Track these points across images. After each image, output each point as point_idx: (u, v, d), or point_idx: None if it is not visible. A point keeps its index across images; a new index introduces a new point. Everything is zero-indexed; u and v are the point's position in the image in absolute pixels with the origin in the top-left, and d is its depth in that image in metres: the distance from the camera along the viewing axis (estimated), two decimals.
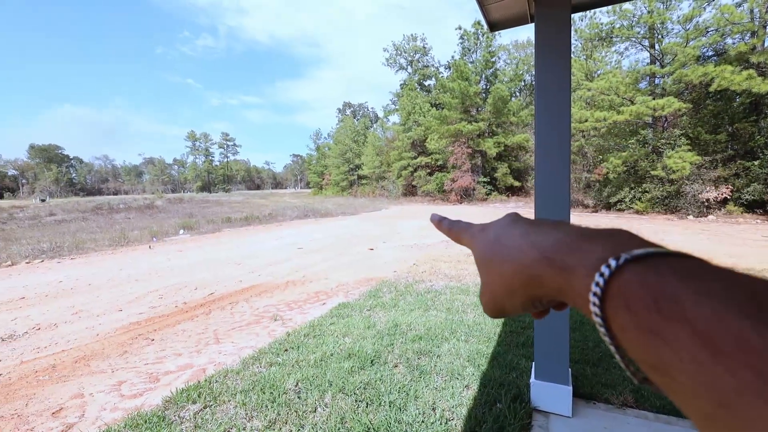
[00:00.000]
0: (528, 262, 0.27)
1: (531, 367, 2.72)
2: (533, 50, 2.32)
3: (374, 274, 6.74)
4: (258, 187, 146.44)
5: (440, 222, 0.46)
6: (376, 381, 2.73)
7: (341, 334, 3.74)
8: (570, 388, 2.38)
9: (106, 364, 3.48)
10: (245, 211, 27.15)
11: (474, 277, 6.05)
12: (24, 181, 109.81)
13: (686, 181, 15.63)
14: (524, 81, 38.90)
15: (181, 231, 16.39)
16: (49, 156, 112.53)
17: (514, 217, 0.33)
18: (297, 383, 2.77)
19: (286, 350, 3.41)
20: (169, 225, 18.36)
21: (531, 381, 2.45)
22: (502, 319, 3.95)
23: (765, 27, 13.90)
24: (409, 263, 7.55)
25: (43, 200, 62.25)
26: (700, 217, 15.30)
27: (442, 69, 41.15)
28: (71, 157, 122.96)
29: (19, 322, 4.80)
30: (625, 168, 17.62)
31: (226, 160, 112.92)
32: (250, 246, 10.99)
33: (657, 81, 17.78)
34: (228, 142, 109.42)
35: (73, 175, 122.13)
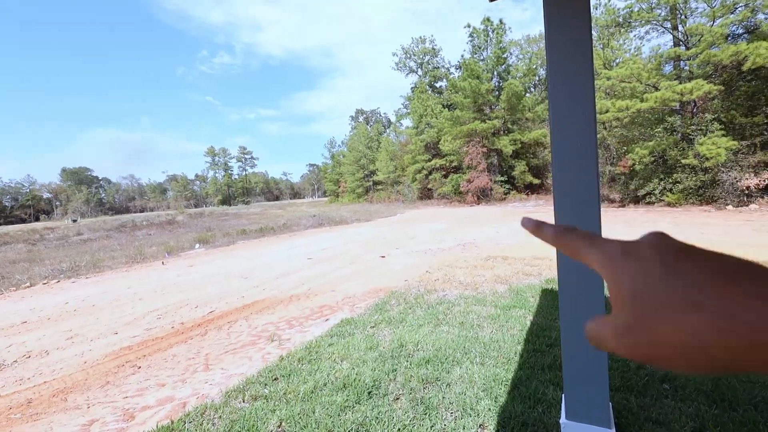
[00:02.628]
0: (733, 345, 0.20)
1: (561, 399, 2.22)
2: (545, 36, 1.84)
3: (384, 284, 6.30)
4: (277, 198, 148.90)
5: (538, 228, 0.34)
6: (371, 420, 2.29)
7: (339, 358, 3.31)
8: (612, 431, 1.87)
9: (84, 398, 3.17)
10: (261, 222, 27.29)
11: (491, 284, 5.52)
12: (58, 203, 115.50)
13: (722, 169, 14.47)
14: (538, 76, 37.83)
15: (197, 245, 16.44)
16: (80, 178, 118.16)
17: (676, 248, 0.24)
18: (280, 423, 2.36)
19: (275, 379, 3.02)
20: (186, 240, 18.50)
21: (561, 421, 1.95)
22: (524, 336, 3.44)
23: None
24: (422, 270, 7.07)
25: (74, 221, 65.09)
26: (741, 206, 14.10)
27: (453, 69, 40.60)
28: (100, 178, 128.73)
29: (12, 349, 4.61)
30: (653, 158, 16.54)
31: (244, 173, 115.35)
32: (260, 258, 10.76)
33: (683, 65, 16.71)
34: (246, 156, 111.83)
35: (102, 195, 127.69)
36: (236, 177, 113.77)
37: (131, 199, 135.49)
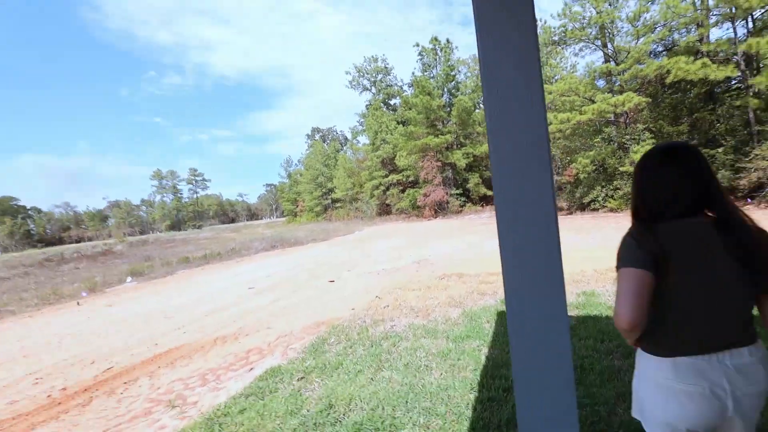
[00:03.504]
0: None
1: None
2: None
3: (328, 316, 5.57)
4: (232, 221, 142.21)
5: None
6: None
7: (249, 431, 2.55)
8: None
9: None
10: (211, 247, 25.39)
11: (444, 309, 4.99)
12: None
13: None
14: None
15: (129, 278, 14.67)
16: (3, 209, 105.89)
17: None
18: None
19: None
20: (118, 273, 16.56)
21: None
22: (478, 378, 2.88)
23: (708, 17, 14.15)
24: (372, 295, 6.42)
25: None
26: None
27: (405, 87, 41.34)
28: (28, 207, 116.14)
29: None
30: (594, 167, 17.37)
31: (195, 196, 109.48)
32: (195, 290, 9.58)
33: (614, 80, 17.92)
34: (196, 178, 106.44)
35: (31, 226, 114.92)
36: (187, 200, 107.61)
37: (66, 229, 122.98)
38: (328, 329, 4.75)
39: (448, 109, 28.04)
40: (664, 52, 16.44)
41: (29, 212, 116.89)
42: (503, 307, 4.58)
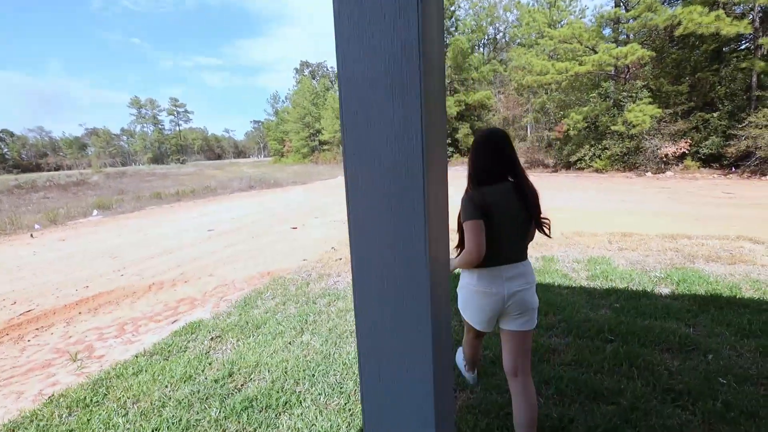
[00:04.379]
0: None
1: None
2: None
3: (277, 266, 5.27)
4: (219, 157, 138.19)
5: None
6: None
7: (132, 398, 2.28)
8: None
9: None
10: (188, 184, 24.57)
11: None
12: None
13: (646, 136, 14.91)
14: (487, 35, 36.76)
15: (95, 212, 14.09)
16: None
17: None
18: None
19: None
20: (86, 205, 15.86)
21: None
22: None
23: None
24: (329, 246, 6.12)
25: None
26: (658, 173, 14.77)
27: None
28: None
29: None
30: (586, 124, 16.68)
31: (178, 128, 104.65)
32: (154, 229, 9.15)
33: (621, 30, 16.57)
34: (178, 108, 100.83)
35: (5, 150, 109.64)
36: (169, 132, 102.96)
37: (42, 155, 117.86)
38: (270, 281, 4.46)
39: (445, 49, 26.12)
40: (678, 1, 15.05)
41: (1, 135, 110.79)
42: None
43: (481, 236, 1.44)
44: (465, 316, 1.68)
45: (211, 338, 3.03)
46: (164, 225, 9.66)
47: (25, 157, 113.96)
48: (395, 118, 0.75)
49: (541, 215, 1.58)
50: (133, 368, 2.65)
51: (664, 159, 14.70)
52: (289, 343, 2.86)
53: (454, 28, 28.06)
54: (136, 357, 2.84)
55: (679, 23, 12.87)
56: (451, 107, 25.40)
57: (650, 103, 14.38)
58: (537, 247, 5.13)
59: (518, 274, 1.54)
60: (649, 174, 14.78)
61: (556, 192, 11.41)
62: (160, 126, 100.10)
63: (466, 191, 1.54)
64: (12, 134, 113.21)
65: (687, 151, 14.27)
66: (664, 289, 3.52)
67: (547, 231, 1.60)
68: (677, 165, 14.86)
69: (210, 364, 2.65)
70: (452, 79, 26.97)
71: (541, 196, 1.60)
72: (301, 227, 8.07)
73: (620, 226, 6.27)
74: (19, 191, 27.42)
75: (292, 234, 7.45)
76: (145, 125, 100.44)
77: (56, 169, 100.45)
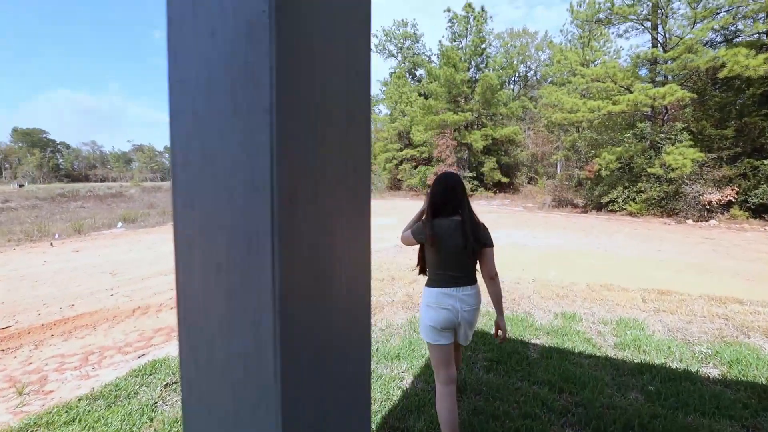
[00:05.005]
0: None
1: None
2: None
3: None
4: None
5: None
6: None
7: None
8: None
9: None
10: None
11: (392, 310, 4.24)
12: (7, 165, 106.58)
13: (686, 181, 13.91)
14: (518, 73, 36.88)
15: (119, 224, 14.51)
16: (33, 140, 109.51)
17: None
18: None
19: None
20: (115, 216, 16.44)
21: None
22: None
23: None
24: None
25: (21, 185, 60.25)
26: (701, 221, 13.61)
27: (434, 58, 39.05)
28: (57, 142, 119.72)
29: None
30: (620, 165, 15.86)
31: None
32: (168, 245, 9.13)
33: (659, 71, 16.00)
34: None
35: (60, 160, 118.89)
36: None
37: (92, 167, 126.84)
38: None
39: (473, 85, 26.21)
40: (722, 43, 14.42)
41: (58, 147, 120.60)
42: None
43: (415, 250, 2.07)
44: (422, 332, 1.97)
45: (166, 384, 2.67)
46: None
47: (77, 168, 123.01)
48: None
49: (484, 245, 1.92)
50: (68, 414, 2.31)
51: (708, 206, 13.59)
52: None
53: (484, 65, 28.30)
54: (79, 400, 2.50)
55: (723, 65, 12.22)
56: (478, 141, 25.14)
57: (691, 146, 13.51)
58: (557, 300, 4.54)
59: (465, 296, 1.89)
60: (690, 221, 13.65)
61: (583, 235, 10.62)
62: None
63: (422, 221, 1.97)
64: (68, 146, 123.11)
65: (734, 200, 13.13)
66: (713, 371, 2.86)
67: (480, 255, 1.95)
68: (722, 214, 13.68)
69: (152, 420, 2.27)
70: (480, 113, 26.90)
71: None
72: None
73: (656, 280, 5.55)
74: (61, 199, 29.13)
75: None
76: None
77: (102, 180, 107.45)
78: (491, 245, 1.94)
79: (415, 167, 31.95)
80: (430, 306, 1.90)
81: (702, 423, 2.17)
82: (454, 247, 1.86)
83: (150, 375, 2.83)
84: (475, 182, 26.45)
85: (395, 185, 35.51)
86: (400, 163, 34.05)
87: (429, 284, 1.96)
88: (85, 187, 44.00)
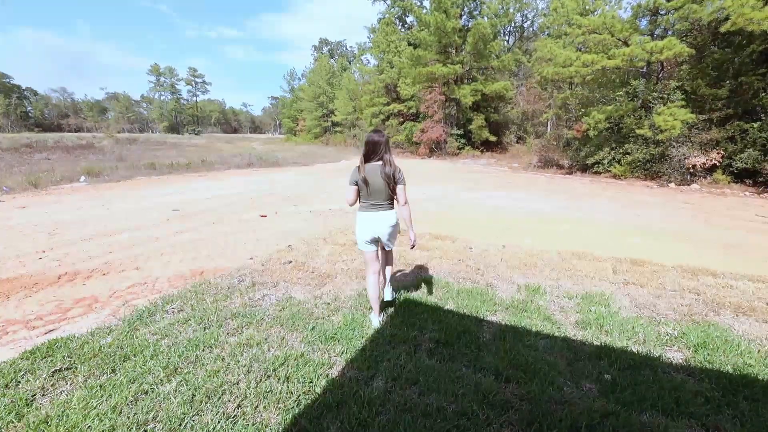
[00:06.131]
0: None
1: None
2: None
3: (215, 263, 4.52)
4: (235, 131, 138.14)
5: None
6: None
7: None
8: None
9: None
10: (196, 155, 24.12)
11: (345, 279, 3.88)
12: None
13: (674, 143, 13.54)
14: (514, 22, 34.65)
15: (82, 178, 13.61)
16: None
17: None
18: None
19: None
20: (80, 169, 15.41)
21: None
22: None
23: None
24: (290, 241, 5.33)
25: None
26: (683, 185, 13.45)
27: (426, 2, 36.19)
28: (23, 87, 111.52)
29: None
30: (609, 125, 15.30)
31: (195, 99, 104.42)
32: (120, 203, 8.51)
33: (659, 25, 14.95)
34: (196, 79, 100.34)
35: (29, 108, 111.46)
36: (186, 102, 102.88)
37: (65, 116, 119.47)
38: (197, 284, 3.70)
39: (465, 34, 24.48)
40: None
41: (24, 93, 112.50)
42: (414, 293, 3.49)
43: (353, 195, 2.81)
44: (358, 242, 2.89)
45: (54, 371, 2.29)
46: (133, 200, 9.01)
47: (48, 117, 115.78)
48: None
49: (396, 183, 2.74)
50: None
51: (691, 170, 13.36)
52: (144, 393, 2.09)
53: (477, 12, 26.32)
54: None
55: (727, 18, 11.37)
56: (467, 96, 23.98)
57: (683, 106, 12.96)
58: (524, 270, 4.25)
59: (381, 217, 2.78)
60: (672, 185, 13.48)
61: (564, 198, 10.34)
62: (177, 95, 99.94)
63: (357, 167, 2.77)
64: (36, 93, 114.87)
65: (718, 164, 12.89)
66: (677, 354, 2.62)
67: (394, 189, 2.76)
68: (705, 177, 13.50)
69: (20, 419, 1.91)
70: (471, 66, 25.46)
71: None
72: (273, 215, 7.30)
73: (630, 248, 5.30)
74: (26, 150, 27.35)
75: (257, 223, 6.68)
76: (163, 93, 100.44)
77: (77, 131, 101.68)
78: (402, 183, 2.76)
79: (402, 123, 30.76)
80: (361, 224, 2.82)
81: (658, 423, 1.91)
82: (376, 184, 2.72)
83: (44, 358, 2.44)
84: (462, 140, 25.67)
85: None
86: (387, 118, 32.70)
87: (360, 210, 2.84)
88: (54, 138, 41.48)
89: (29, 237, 5.58)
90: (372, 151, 2.73)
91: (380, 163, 2.71)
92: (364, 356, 2.47)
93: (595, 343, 2.72)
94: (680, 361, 2.54)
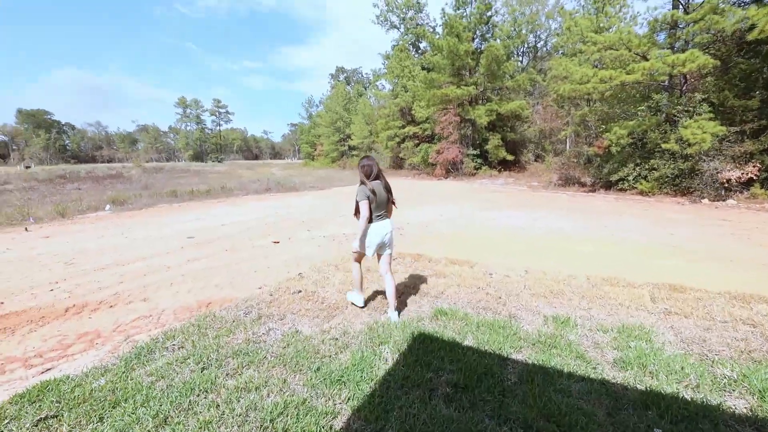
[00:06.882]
0: None
1: None
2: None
3: (224, 293, 4.37)
4: (256, 157, 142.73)
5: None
6: None
7: None
8: None
9: None
10: (211, 183, 24.79)
11: (357, 308, 3.65)
12: (15, 147, 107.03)
13: (704, 157, 12.89)
14: (527, 43, 34.91)
15: (107, 206, 14.08)
16: (38, 122, 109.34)
17: None
18: None
19: None
20: (106, 198, 16.01)
21: None
22: None
23: None
24: (300, 269, 5.16)
25: (27, 167, 60.48)
26: (717, 200, 12.68)
27: (438, 29, 37.09)
28: (62, 123, 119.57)
29: None
30: (632, 140, 14.79)
31: (219, 128, 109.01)
32: (141, 230, 8.63)
33: (679, 37, 14.62)
34: (220, 109, 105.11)
35: (66, 142, 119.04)
36: (210, 132, 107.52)
37: (99, 148, 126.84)
38: (201, 317, 3.55)
39: (478, 56, 24.71)
40: (751, 3, 13.00)
41: (63, 128, 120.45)
42: (429, 327, 3.21)
43: (368, 210, 3.24)
44: (365, 249, 3.40)
45: (39, 420, 2.12)
46: (153, 227, 9.13)
47: (84, 149, 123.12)
48: None
49: (391, 195, 3.46)
50: None
51: (726, 185, 12.62)
52: None
53: (490, 35, 26.64)
54: None
55: (752, 27, 10.97)
56: (482, 116, 23.91)
57: (711, 119, 12.40)
58: (550, 298, 3.90)
59: (387, 225, 3.40)
60: (705, 200, 12.73)
61: (588, 217, 9.85)
62: (202, 125, 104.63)
63: (362, 183, 3.33)
64: (73, 127, 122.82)
65: (755, 177, 12.14)
66: (739, 402, 2.23)
67: (394, 202, 3.52)
68: (741, 192, 12.71)
69: None
70: (485, 87, 25.53)
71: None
72: (286, 241, 7.19)
73: (667, 271, 4.86)
74: (60, 181, 28.82)
75: (270, 249, 6.57)
76: (188, 124, 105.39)
77: (109, 161, 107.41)
78: (392, 195, 3.47)
79: (417, 145, 30.90)
80: (373, 233, 3.35)
81: None
82: (381, 197, 3.32)
83: (32, 403, 2.29)
84: (479, 160, 25.44)
85: (398, 163, 34.57)
86: (403, 140, 32.97)
87: (371, 221, 3.33)
88: (87, 168, 43.73)
89: (46, 267, 5.63)
90: (372, 172, 3.31)
91: (379, 180, 3.36)
92: (372, 403, 2.20)
93: (639, 387, 2.36)
94: (744, 410, 2.16)
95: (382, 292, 4.12)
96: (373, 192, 3.23)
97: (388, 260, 3.50)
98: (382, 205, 3.34)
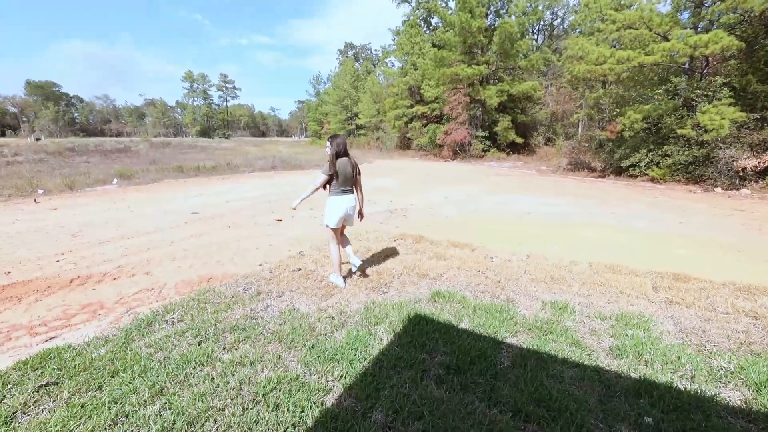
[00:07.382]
0: None
1: None
2: None
3: (225, 269, 4.42)
4: (263, 134, 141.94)
5: None
6: None
7: None
8: None
9: None
10: (224, 158, 24.79)
11: (353, 291, 3.66)
12: (25, 119, 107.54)
13: (720, 144, 12.49)
14: (543, 20, 33.56)
15: (115, 180, 14.18)
16: (46, 93, 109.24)
17: None
18: None
19: None
20: (113, 172, 16.11)
21: None
22: None
23: None
24: (303, 246, 5.18)
25: (38, 139, 60.87)
26: (731, 189, 12.36)
27: (451, 3, 35.71)
28: (71, 95, 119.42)
29: None
30: (646, 125, 14.34)
31: (226, 104, 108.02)
32: (146, 205, 8.70)
33: (703, 17, 13.90)
34: (227, 85, 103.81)
35: (75, 114, 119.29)
36: (217, 107, 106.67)
37: (107, 121, 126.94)
38: (201, 292, 3.59)
39: (491, 34, 23.84)
40: None
41: (71, 100, 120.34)
42: (426, 308, 3.22)
43: (322, 181, 3.59)
44: (330, 222, 3.69)
45: (40, 386, 2.18)
46: (158, 202, 9.19)
47: (92, 122, 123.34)
48: None
49: (359, 174, 3.78)
50: None
51: (741, 173, 12.27)
52: (125, 416, 1.94)
53: (504, 11, 25.60)
54: None
55: None
56: (492, 98, 23.31)
57: (732, 104, 11.94)
58: (550, 284, 3.87)
59: (351, 199, 3.69)
60: (718, 189, 12.42)
61: (597, 203, 9.69)
62: (209, 100, 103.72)
63: (329, 162, 3.58)
64: (82, 100, 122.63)
65: None
66: (734, 394, 2.21)
67: (357, 178, 3.78)
68: (757, 182, 12.37)
69: None
70: (497, 66, 24.77)
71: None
72: (289, 219, 7.20)
73: (673, 260, 4.78)
74: (69, 153, 29.00)
75: (273, 227, 6.59)
76: (195, 99, 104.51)
77: (117, 135, 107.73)
78: (360, 174, 3.78)
79: (425, 125, 30.36)
80: (337, 206, 3.64)
81: None
82: (347, 173, 3.60)
83: (34, 370, 2.35)
84: (487, 142, 24.98)
85: (405, 144, 34.11)
86: (410, 120, 32.39)
87: (333, 195, 3.65)
88: (95, 142, 43.89)
89: (53, 239, 5.72)
90: (343, 150, 3.61)
91: (347, 158, 3.62)
92: (364, 382, 2.23)
93: (633, 375, 2.35)
94: (739, 402, 2.14)
95: (377, 272, 4.13)
96: (337, 168, 3.53)
97: (343, 235, 3.97)
98: (347, 181, 3.62)
